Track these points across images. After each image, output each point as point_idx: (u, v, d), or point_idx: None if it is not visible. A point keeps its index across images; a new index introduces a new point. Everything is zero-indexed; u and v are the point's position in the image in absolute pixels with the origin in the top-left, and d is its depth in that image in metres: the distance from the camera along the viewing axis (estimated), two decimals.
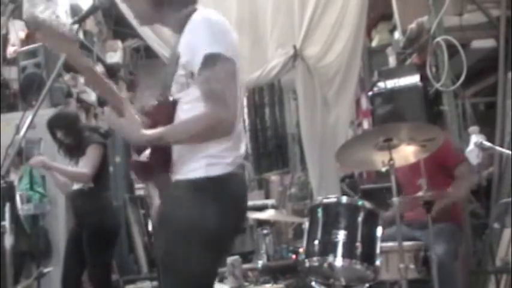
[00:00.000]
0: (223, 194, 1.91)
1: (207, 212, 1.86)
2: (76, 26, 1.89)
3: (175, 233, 1.89)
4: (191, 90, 1.92)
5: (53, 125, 3.95)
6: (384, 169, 2.90)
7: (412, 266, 2.98)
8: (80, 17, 2.00)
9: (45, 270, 4.24)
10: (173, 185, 1.98)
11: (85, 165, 3.87)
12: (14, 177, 4.81)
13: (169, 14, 2.03)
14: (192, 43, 1.89)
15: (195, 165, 1.91)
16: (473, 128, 3.52)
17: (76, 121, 4.09)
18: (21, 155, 4.39)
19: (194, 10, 1.99)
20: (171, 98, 1.98)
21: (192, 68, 1.88)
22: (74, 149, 3.97)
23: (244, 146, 2.05)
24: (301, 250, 2.93)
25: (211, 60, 1.83)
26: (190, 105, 1.91)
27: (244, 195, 2.05)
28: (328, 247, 2.79)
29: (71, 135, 3.96)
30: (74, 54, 1.85)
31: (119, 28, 7.85)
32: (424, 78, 4.52)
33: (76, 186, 3.96)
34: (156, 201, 4.50)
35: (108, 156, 4.15)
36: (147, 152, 2.00)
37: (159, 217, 2.05)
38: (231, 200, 1.94)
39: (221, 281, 3.90)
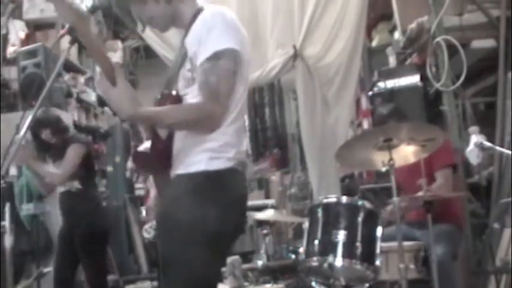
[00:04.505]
0: (224, 188, 1.88)
1: (207, 207, 1.84)
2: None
3: (176, 232, 1.86)
4: (196, 86, 1.90)
5: (40, 125, 3.86)
6: (384, 169, 2.90)
7: (412, 266, 2.99)
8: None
9: (45, 270, 4.24)
10: (173, 181, 1.95)
11: (61, 166, 3.81)
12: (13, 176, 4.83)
13: (179, 8, 2.00)
14: (203, 36, 1.87)
15: (196, 159, 1.89)
16: (473, 128, 3.50)
17: (60, 120, 4.03)
18: None
19: (202, 7, 1.98)
20: (174, 92, 1.97)
21: (197, 61, 1.88)
22: (58, 150, 3.88)
23: (246, 143, 2.03)
24: (301, 250, 2.93)
25: (217, 54, 1.83)
26: (196, 100, 1.90)
27: (245, 193, 2.02)
28: (328, 247, 2.79)
29: (56, 134, 3.91)
30: (81, 26, 1.84)
31: (119, 28, 7.85)
32: (424, 78, 4.52)
33: (64, 188, 3.89)
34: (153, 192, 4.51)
35: (92, 155, 4.11)
36: (148, 143, 1.99)
37: (159, 215, 2.03)
38: (232, 196, 1.91)
39: (221, 281, 3.90)
